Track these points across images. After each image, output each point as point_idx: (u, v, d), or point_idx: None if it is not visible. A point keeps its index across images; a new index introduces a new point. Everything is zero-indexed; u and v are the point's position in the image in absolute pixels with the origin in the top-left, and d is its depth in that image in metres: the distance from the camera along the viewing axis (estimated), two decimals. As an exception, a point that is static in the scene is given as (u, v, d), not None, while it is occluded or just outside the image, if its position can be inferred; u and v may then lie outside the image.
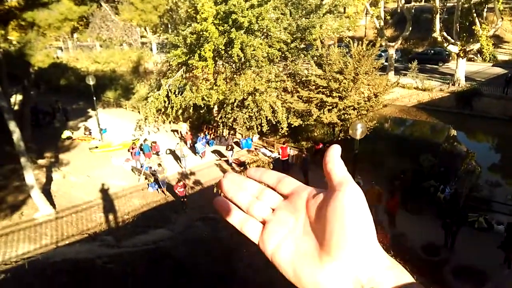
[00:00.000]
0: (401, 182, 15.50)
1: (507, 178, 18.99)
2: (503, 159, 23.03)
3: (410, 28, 30.63)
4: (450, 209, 12.83)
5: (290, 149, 19.83)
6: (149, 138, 20.84)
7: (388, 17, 35.49)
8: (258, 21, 18.17)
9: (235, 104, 19.41)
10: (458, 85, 28.99)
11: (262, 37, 19.37)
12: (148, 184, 17.75)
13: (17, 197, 16.03)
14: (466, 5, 28.58)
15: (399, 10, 39.47)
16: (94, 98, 23.16)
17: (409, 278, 0.56)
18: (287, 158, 18.94)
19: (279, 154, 19.38)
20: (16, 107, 21.89)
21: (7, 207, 15.38)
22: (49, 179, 17.94)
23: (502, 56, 36.87)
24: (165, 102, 20.25)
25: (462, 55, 28.57)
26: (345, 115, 18.67)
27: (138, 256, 12.38)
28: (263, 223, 0.68)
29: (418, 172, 16.25)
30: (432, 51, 36.83)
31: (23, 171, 14.96)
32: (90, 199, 16.67)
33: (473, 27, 27.43)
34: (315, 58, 19.86)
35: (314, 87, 19.10)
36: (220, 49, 18.72)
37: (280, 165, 18.23)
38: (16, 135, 14.89)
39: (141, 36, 45.39)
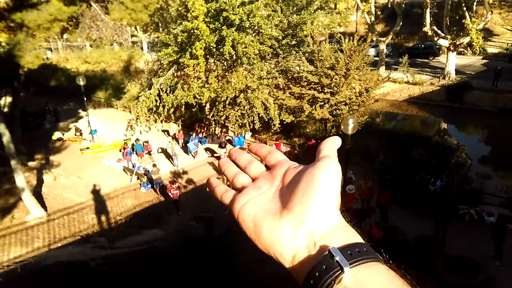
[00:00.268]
0: (393, 176, 15.60)
1: (497, 170, 19.15)
2: (493, 151, 23.23)
3: (401, 23, 30.73)
4: (439, 201, 12.94)
5: (283, 145, 19.84)
6: (141, 138, 20.74)
7: (379, 12, 35.60)
8: (249, 18, 18.12)
9: (227, 101, 19.36)
10: (449, 79, 29.15)
11: (254, 34, 19.32)
12: (140, 184, 17.66)
13: (8, 200, 15.89)
14: (455, -1, 28.74)
15: (389, 5, 39.69)
16: (85, 99, 22.98)
17: (359, 239, 0.62)
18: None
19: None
20: (5, 109, 21.67)
21: (-2, 211, 15.26)
22: (40, 181, 17.80)
23: (492, 49, 37.13)
24: (156, 101, 20.14)
25: (452, 48, 28.72)
26: (337, 110, 18.71)
27: (132, 257, 12.35)
28: (241, 190, 0.74)
29: (410, 165, 16.34)
30: (422, 46, 36.98)
31: (14, 174, 14.84)
32: (82, 201, 16.57)
33: (463, 21, 27.58)
34: (307, 54, 19.85)
35: (305, 83, 19.11)
36: (211, 47, 18.64)
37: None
38: (6, 137, 14.75)
39: (132, 35, 45.13)
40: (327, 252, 0.57)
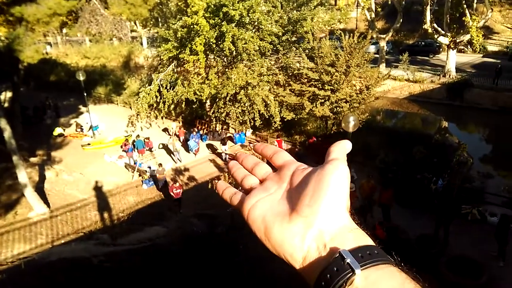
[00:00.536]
0: (394, 175, 15.64)
1: (498, 169, 19.19)
2: (494, 150, 23.31)
3: (401, 20, 30.68)
4: (440, 200, 12.99)
5: (283, 142, 19.87)
6: (141, 134, 20.72)
7: (379, 9, 35.56)
8: (249, 14, 18.07)
9: (228, 98, 19.35)
10: (449, 77, 29.18)
11: (254, 30, 19.27)
12: (142, 181, 17.68)
13: (11, 196, 15.88)
14: (456, -4, 28.71)
15: (390, 2, 39.58)
16: (85, 94, 22.92)
17: (371, 242, 0.62)
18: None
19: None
20: (6, 104, 21.63)
21: (1, 207, 15.24)
22: (42, 177, 17.79)
23: (492, 47, 37.15)
24: (156, 97, 20.11)
25: (452, 46, 28.72)
26: (338, 108, 18.72)
27: (134, 254, 12.40)
28: (249, 192, 0.75)
29: (411, 164, 16.39)
30: (423, 43, 36.96)
31: (16, 170, 14.81)
32: (84, 197, 16.58)
33: (463, 18, 27.61)
34: (307, 51, 19.83)
35: (306, 80, 19.11)
36: (211, 43, 18.60)
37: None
38: (7, 132, 14.72)
39: (131, 31, 44.99)
40: (337, 254, 0.58)
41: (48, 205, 15.57)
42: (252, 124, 19.85)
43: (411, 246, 11.09)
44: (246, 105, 19.48)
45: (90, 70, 33.28)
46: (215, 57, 20.65)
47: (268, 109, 19.10)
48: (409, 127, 21.99)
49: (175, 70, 20.90)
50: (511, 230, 11.40)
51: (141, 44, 43.69)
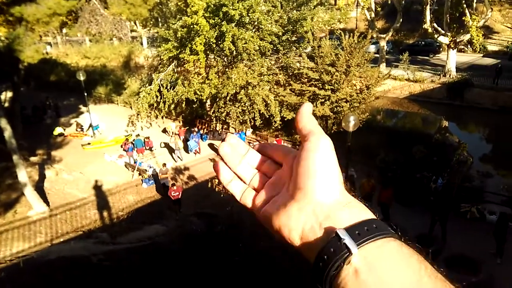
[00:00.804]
0: (394, 174, 15.64)
1: (498, 168, 19.21)
2: (494, 149, 23.31)
3: (401, 20, 30.68)
4: (439, 199, 13.01)
5: (283, 142, 19.88)
6: (142, 134, 20.74)
7: (379, 9, 35.56)
8: (249, 14, 18.08)
9: (228, 98, 19.35)
10: (449, 76, 29.17)
11: (254, 30, 19.28)
12: (142, 180, 17.69)
13: (10, 195, 15.90)
14: (456, -4, 28.71)
15: (389, 2, 39.54)
16: (85, 94, 22.95)
17: (369, 215, 0.60)
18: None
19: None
20: (6, 104, 21.63)
21: (1, 206, 15.26)
22: (42, 177, 17.81)
23: (492, 47, 37.14)
24: (157, 97, 20.12)
25: (452, 46, 28.71)
26: (338, 107, 18.72)
27: (134, 253, 12.39)
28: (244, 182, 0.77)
29: (411, 163, 16.39)
30: (423, 43, 36.95)
31: (16, 169, 14.83)
32: (83, 196, 16.59)
33: (463, 18, 27.60)
34: (307, 50, 19.83)
35: (306, 80, 19.12)
36: (211, 43, 18.61)
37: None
38: (8, 132, 14.74)
39: (131, 30, 45.03)
40: (334, 235, 0.56)
41: (48, 204, 15.58)
42: (252, 123, 19.85)
43: (409, 245, 11.07)
44: (246, 104, 19.48)
45: (90, 70, 33.32)
46: (215, 57, 20.66)
47: (268, 108, 19.10)
48: (409, 126, 21.99)
49: (175, 70, 20.92)
50: (510, 228, 11.44)
51: (141, 44, 43.73)
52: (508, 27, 41.11)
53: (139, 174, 18.20)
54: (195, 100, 20.37)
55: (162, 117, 21.46)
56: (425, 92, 29.34)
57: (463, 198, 14.02)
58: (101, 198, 16.47)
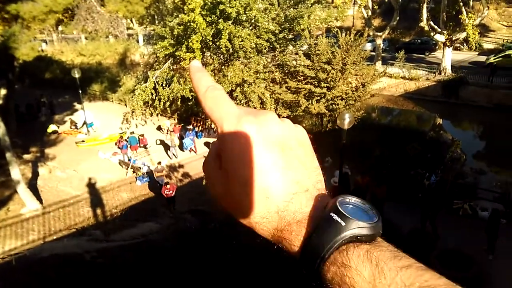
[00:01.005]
0: (388, 171, 15.66)
1: (491, 165, 19.31)
2: (488, 147, 23.40)
3: (398, 18, 30.71)
4: (432, 195, 13.07)
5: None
6: (136, 131, 20.67)
7: (376, 7, 35.55)
8: (246, 12, 18.02)
9: (223, 95, 19.28)
10: (445, 74, 29.22)
11: (250, 28, 19.22)
12: (136, 177, 17.63)
13: (3, 192, 15.83)
14: (452, -6, 28.74)
15: (386, 0, 39.55)
16: (80, 91, 22.85)
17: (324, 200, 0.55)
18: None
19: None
20: (0, 102, 21.52)
21: (-7, 203, 15.21)
22: (35, 174, 17.74)
23: (488, 45, 37.23)
24: (152, 94, 20.03)
25: (448, 44, 28.76)
26: (333, 105, 18.74)
27: (127, 250, 12.36)
28: None
29: (405, 160, 16.41)
30: (419, 41, 37.02)
31: (9, 167, 14.76)
32: (77, 194, 16.53)
33: (459, 16, 27.62)
34: (303, 48, 19.82)
35: (302, 77, 19.11)
36: (207, 40, 18.54)
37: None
38: (1, 130, 14.67)
39: (127, 28, 44.84)
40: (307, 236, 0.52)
41: (41, 202, 15.52)
42: (247, 121, 19.78)
43: (402, 241, 11.11)
44: (242, 102, 19.43)
45: (86, 68, 33.19)
46: (212, 55, 20.59)
47: (264, 106, 19.06)
48: (404, 124, 22.00)
49: (171, 68, 20.83)
50: (502, 225, 11.50)
51: (137, 41, 43.55)
52: (504, 25, 41.22)
53: (133, 172, 18.15)
54: (191, 98, 20.30)
55: (157, 115, 21.38)
56: (420, 90, 29.40)
57: (456, 194, 14.06)
58: (95, 195, 16.41)
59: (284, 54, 20.40)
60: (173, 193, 14.84)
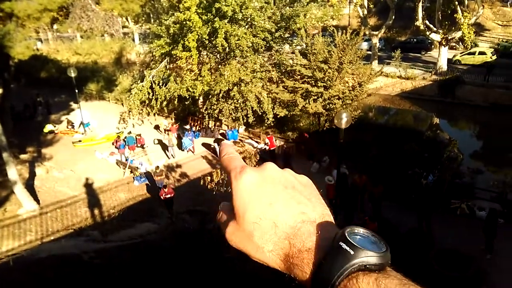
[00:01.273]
0: (386, 171, 15.71)
1: (488, 165, 19.41)
2: (484, 146, 23.51)
3: (393, 17, 30.78)
4: (429, 195, 13.12)
5: (276, 139, 19.88)
6: (133, 131, 20.60)
7: (372, 6, 35.61)
8: (242, 10, 18.00)
9: (221, 95, 19.28)
10: (441, 73, 29.32)
11: (246, 27, 19.20)
12: (133, 177, 17.57)
13: (0, 193, 15.74)
14: (448, -7, 28.82)
15: (382, -1, 39.58)
16: (76, 91, 22.71)
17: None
18: (274, 148, 19.06)
19: (265, 144, 19.45)
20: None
21: (-10, 204, 15.12)
22: (32, 174, 17.65)
23: (483, 44, 37.38)
24: (149, 93, 19.98)
25: (444, 43, 28.87)
26: (330, 104, 18.76)
27: (125, 250, 12.34)
28: None
29: (402, 160, 16.47)
30: (415, 40, 37.13)
31: (6, 167, 14.68)
32: (74, 194, 16.46)
33: (454, 15, 27.70)
34: (299, 47, 19.82)
35: (299, 77, 19.11)
36: (204, 39, 18.50)
37: (268, 156, 18.31)
38: (-2, 129, 14.57)
39: (123, 27, 44.65)
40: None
41: (38, 202, 15.45)
42: (245, 120, 19.80)
43: (401, 240, 11.16)
44: (239, 101, 19.43)
45: (82, 67, 33.00)
46: (208, 54, 20.55)
47: (261, 105, 19.07)
48: (401, 123, 22.08)
49: (167, 67, 20.79)
50: (499, 225, 11.56)
51: (133, 40, 43.34)
52: (499, 25, 41.42)
53: (131, 172, 18.08)
54: (188, 97, 20.27)
55: (154, 114, 21.32)
56: (416, 89, 29.48)
57: (453, 194, 14.13)
58: (92, 196, 16.35)
59: (281, 53, 20.41)
60: (171, 197, 14.68)
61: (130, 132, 20.31)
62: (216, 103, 19.69)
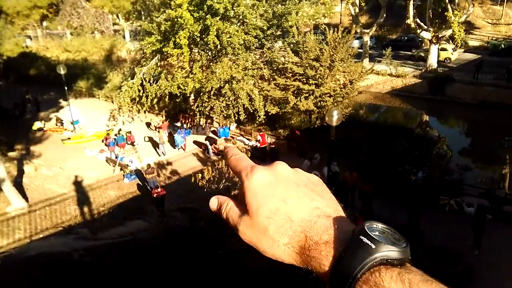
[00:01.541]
0: (376, 168, 15.81)
1: (476, 162, 19.63)
2: (473, 143, 23.75)
3: (385, 15, 30.90)
4: (418, 191, 13.22)
5: (267, 137, 19.89)
6: (123, 128, 20.46)
7: (363, 4, 35.68)
8: (233, 8, 17.96)
9: (212, 92, 19.23)
10: (431, 71, 29.52)
11: (238, 24, 19.16)
12: (123, 175, 17.46)
13: (-12, 191, 15.55)
14: (438, -8, 29.02)
15: (373, -3, 39.70)
16: (66, 88, 22.50)
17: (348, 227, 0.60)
18: (265, 145, 19.08)
19: (257, 141, 19.45)
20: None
21: (-22, 202, 14.92)
22: (20, 172, 17.46)
23: (473, 42, 37.71)
24: (139, 91, 19.86)
25: (434, 41, 29.05)
26: (321, 102, 18.82)
27: (115, 248, 12.27)
28: None
29: (392, 157, 16.59)
30: (405, 38, 37.30)
31: (-7, 164, 14.50)
32: (64, 192, 16.33)
33: (445, 13, 27.87)
34: (292, 45, 19.83)
35: (290, 74, 19.15)
36: (195, 36, 18.44)
37: (259, 153, 18.31)
38: (-15, 127, 14.40)
39: (114, 24, 44.24)
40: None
41: (27, 200, 15.30)
42: (236, 118, 19.78)
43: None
44: (230, 99, 19.39)
45: (71, 64, 32.68)
46: (200, 51, 20.48)
47: (253, 103, 19.06)
48: (391, 121, 22.27)
49: (158, 64, 20.69)
50: (487, 221, 11.69)
51: (124, 37, 43.01)
52: (489, 23, 41.81)
53: (121, 169, 17.97)
54: (179, 95, 20.19)
55: (145, 112, 21.21)
56: (407, 87, 29.64)
57: (442, 190, 14.25)
58: (82, 193, 16.23)
59: (273, 51, 20.40)
60: (163, 194, 14.56)
61: (120, 130, 20.15)
62: (207, 100, 19.64)
